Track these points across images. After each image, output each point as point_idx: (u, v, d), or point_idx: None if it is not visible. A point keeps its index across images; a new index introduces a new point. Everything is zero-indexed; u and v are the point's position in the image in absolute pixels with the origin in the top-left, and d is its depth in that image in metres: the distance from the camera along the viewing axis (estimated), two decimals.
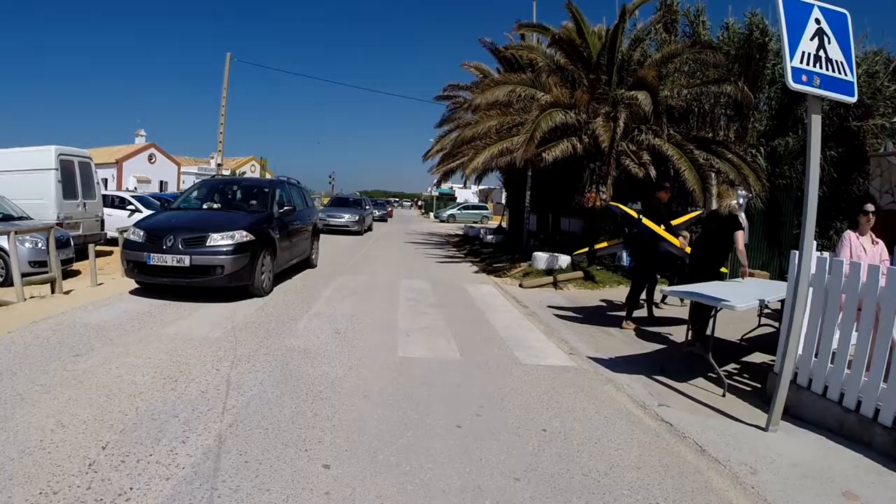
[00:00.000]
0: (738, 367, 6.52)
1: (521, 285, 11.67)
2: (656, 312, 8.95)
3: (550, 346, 6.82)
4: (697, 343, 6.74)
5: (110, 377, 4.71)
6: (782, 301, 6.08)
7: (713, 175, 12.36)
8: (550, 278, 11.84)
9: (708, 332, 6.55)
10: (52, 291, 8.30)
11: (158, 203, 17.01)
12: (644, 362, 6.34)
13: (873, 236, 5.82)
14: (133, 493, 2.97)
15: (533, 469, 3.54)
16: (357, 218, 23.58)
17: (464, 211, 48.73)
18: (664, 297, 9.03)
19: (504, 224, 26.30)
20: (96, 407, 4.06)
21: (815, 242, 4.75)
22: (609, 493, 3.31)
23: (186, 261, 7.78)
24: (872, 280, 4.45)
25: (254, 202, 10.03)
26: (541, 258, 12.96)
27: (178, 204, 10.40)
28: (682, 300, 9.08)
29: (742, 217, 7.09)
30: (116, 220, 14.40)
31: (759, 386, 5.73)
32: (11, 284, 7.81)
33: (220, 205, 10.20)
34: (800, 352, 5.01)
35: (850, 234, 6.04)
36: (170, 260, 7.79)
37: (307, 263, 12.00)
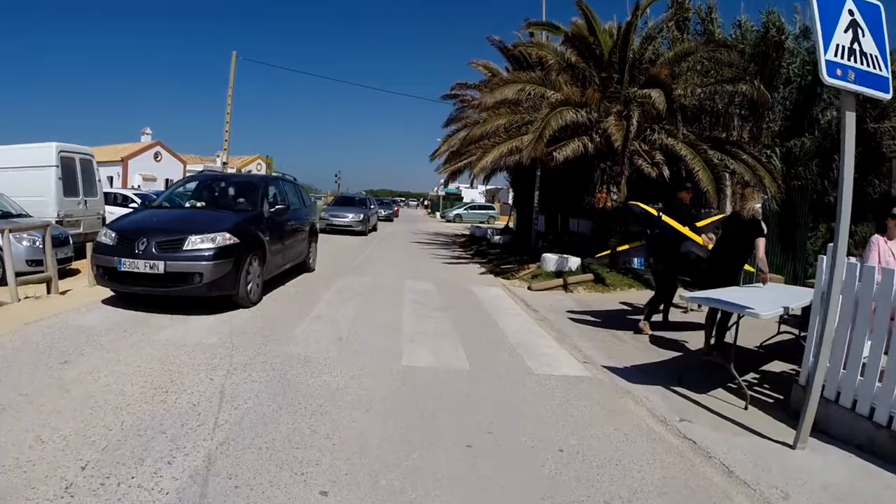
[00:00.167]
0: (757, 376, 6.22)
1: (529, 288, 11.38)
2: (670, 317, 8.61)
3: (563, 354, 6.52)
4: (716, 352, 6.48)
5: (98, 386, 4.45)
6: (804, 307, 5.83)
7: (727, 176, 12.08)
8: (560, 281, 11.53)
9: (728, 339, 6.29)
10: (48, 292, 8.03)
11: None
12: (660, 372, 6.04)
13: None
14: None
15: (550, 496, 3.25)
16: (361, 217, 23.08)
17: (470, 211, 48.42)
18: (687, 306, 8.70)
19: (511, 224, 25.98)
20: (80, 420, 3.79)
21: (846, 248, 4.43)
22: None
23: (160, 267, 6.85)
24: None
25: (242, 200, 8.92)
26: (550, 260, 12.65)
27: (160, 201, 9.57)
28: (699, 305, 8.76)
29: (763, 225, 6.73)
30: None
31: (781, 397, 5.44)
32: (6, 284, 7.56)
33: (205, 203, 9.33)
34: (826, 363, 4.75)
35: (878, 239, 5.76)
36: (142, 266, 6.87)
37: (303, 267, 11.08)
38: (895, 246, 5.57)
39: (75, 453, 3.34)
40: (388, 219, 37.76)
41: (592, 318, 8.72)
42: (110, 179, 42.78)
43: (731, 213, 7.64)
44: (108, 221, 13.44)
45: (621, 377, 5.72)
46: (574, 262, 12.47)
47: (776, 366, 6.64)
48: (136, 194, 17.41)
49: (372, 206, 28.11)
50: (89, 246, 8.81)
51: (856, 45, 4.18)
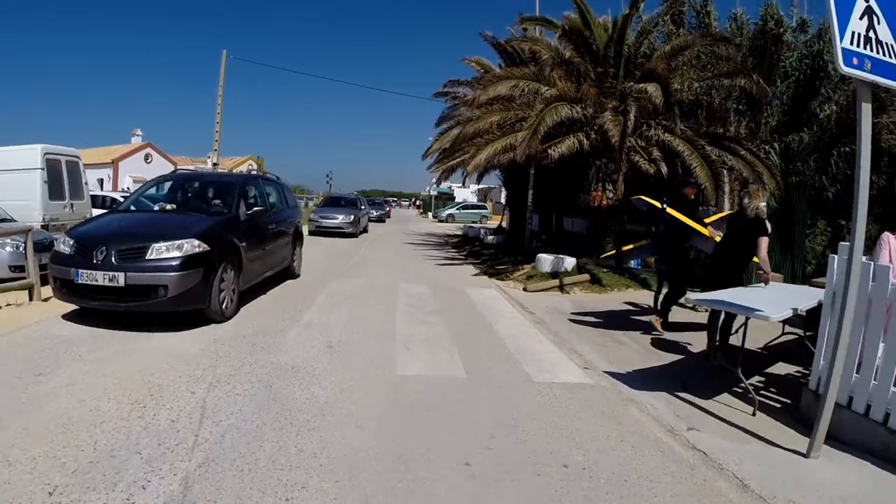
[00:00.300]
0: (762, 379, 6.02)
1: (525, 289, 11.14)
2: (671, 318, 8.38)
3: (562, 359, 6.28)
4: (720, 354, 6.27)
5: (72, 402, 4.17)
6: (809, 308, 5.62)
7: (725, 172, 11.88)
8: (556, 281, 11.31)
9: (733, 340, 6.09)
10: (31, 299, 7.72)
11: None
12: (663, 376, 5.83)
13: None
14: None
15: None
16: (352, 219, 22.20)
17: (463, 210, 48.19)
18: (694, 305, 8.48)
19: (504, 224, 25.78)
20: (51, 440, 3.52)
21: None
22: None
23: (120, 279, 6.08)
24: None
25: (218, 202, 8.16)
26: (545, 260, 12.42)
27: (127, 205, 8.79)
28: (696, 307, 8.56)
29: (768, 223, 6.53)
30: None
31: (788, 401, 5.26)
32: None
33: (175, 206, 8.61)
34: (841, 369, 4.54)
35: (888, 237, 5.60)
36: (101, 278, 6.12)
37: (287, 273, 10.31)
38: None
39: (44, 477, 3.09)
40: (380, 219, 37.24)
41: (590, 321, 8.50)
42: (101, 182, 42.39)
43: (736, 210, 7.43)
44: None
45: (624, 383, 5.50)
46: (570, 262, 12.25)
47: (781, 367, 6.46)
48: (124, 197, 17.03)
49: (362, 207, 27.18)
50: None
51: (871, 33, 3.99)
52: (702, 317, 8.27)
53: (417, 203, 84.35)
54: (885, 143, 12.61)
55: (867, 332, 4.38)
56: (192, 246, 6.45)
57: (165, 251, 6.31)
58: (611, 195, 13.76)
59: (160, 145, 50.97)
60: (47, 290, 8.10)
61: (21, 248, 8.61)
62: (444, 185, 58.24)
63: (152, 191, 10.43)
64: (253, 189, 9.08)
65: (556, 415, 4.54)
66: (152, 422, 3.90)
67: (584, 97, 12.33)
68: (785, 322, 6.79)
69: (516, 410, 4.58)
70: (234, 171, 59.46)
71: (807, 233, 12.64)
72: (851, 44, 3.87)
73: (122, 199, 16.51)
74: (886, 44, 4.07)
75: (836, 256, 4.78)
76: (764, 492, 3.46)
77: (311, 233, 20.79)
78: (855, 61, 3.87)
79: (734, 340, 6.08)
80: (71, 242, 6.65)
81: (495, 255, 16.64)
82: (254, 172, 11.13)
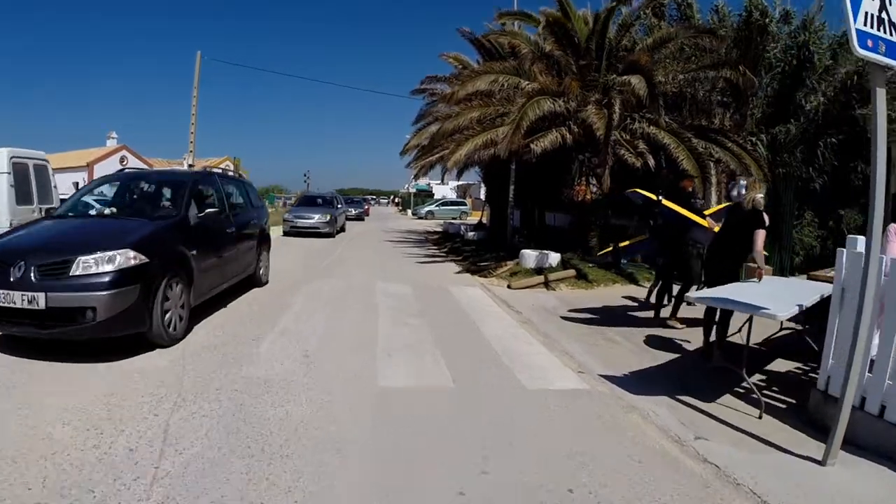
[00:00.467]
0: (763, 377, 5.75)
1: (509, 286, 10.81)
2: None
3: (555, 363, 5.93)
4: (717, 352, 6.00)
5: (24, 428, 3.72)
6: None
7: (712, 165, 11.66)
8: (541, 278, 10.99)
9: (733, 339, 5.81)
10: None
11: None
12: (661, 378, 5.53)
13: None
14: None
15: None
16: (328, 218, 21.31)
17: (442, 207, 47.78)
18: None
19: (485, 220, 25.51)
20: None
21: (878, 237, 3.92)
22: None
23: (40, 300, 4.97)
24: None
25: (167, 203, 7.27)
26: (529, 256, 12.09)
27: (63, 210, 7.43)
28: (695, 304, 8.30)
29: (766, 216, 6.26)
30: None
31: (793, 401, 5.01)
32: None
33: (116, 209, 7.42)
34: (857, 371, 4.27)
35: (895, 228, 5.34)
36: (18, 299, 5.00)
37: (252, 281, 9.25)
38: None
39: None
40: (359, 218, 36.53)
41: (579, 318, 8.19)
42: (76, 185, 41.29)
43: (734, 202, 7.19)
44: None
45: (622, 388, 5.17)
46: (554, 257, 11.94)
47: (780, 364, 6.21)
48: (96, 200, 16.37)
49: (339, 206, 26.24)
50: None
51: (884, 14, 3.70)
52: (697, 311, 8.01)
53: (396, 200, 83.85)
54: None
55: (881, 330, 4.13)
56: (127, 258, 5.34)
57: (94, 265, 5.21)
58: (595, 189, 13.47)
59: (136, 148, 49.91)
60: None
61: None
62: (423, 182, 57.82)
63: (99, 194, 9.53)
64: (209, 188, 7.91)
65: (554, 428, 4.18)
66: (109, 451, 3.46)
67: (566, 91, 12.03)
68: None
69: (511, 425, 4.19)
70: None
71: (794, 224, 12.50)
72: (865, 25, 3.58)
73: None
74: None
75: (844, 250, 4.49)
76: None
77: (285, 233, 20.23)
78: (869, 43, 3.60)
79: (734, 338, 5.83)
80: None
81: (477, 251, 16.29)
82: (214, 170, 9.89)
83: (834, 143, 12.63)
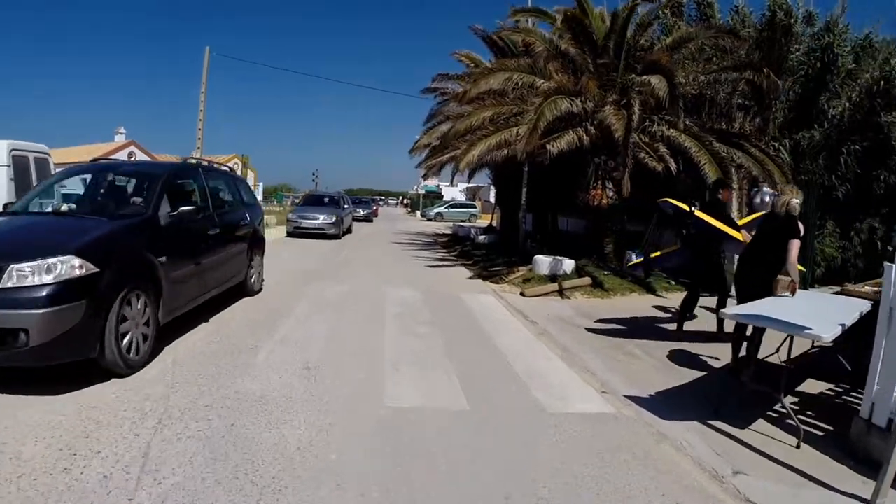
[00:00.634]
0: (795, 400, 5.31)
1: (522, 294, 10.39)
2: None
3: (576, 381, 5.49)
4: (746, 370, 5.55)
5: None
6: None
7: (733, 170, 11.22)
8: (555, 286, 10.56)
9: (766, 356, 5.38)
10: None
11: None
12: (689, 399, 5.11)
13: None
14: None
15: None
16: (334, 219, 20.45)
17: (451, 209, 47.49)
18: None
19: (495, 223, 25.09)
20: None
21: None
22: None
23: None
24: None
25: (139, 200, 6.01)
26: (543, 262, 11.67)
27: (19, 205, 6.36)
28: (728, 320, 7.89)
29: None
30: None
31: (830, 428, 4.61)
32: None
33: (79, 205, 6.53)
34: (876, 386, 3.99)
35: None
36: None
37: (242, 290, 8.19)
38: None
39: None
40: (368, 219, 35.96)
41: (597, 330, 7.76)
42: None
43: (769, 210, 6.77)
44: None
45: (649, 411, 4.72)
46: (569, 264, 11.52)
47: (811, 385, 5.76)
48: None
49: (346, 206, 25.35)
50: None
51: None
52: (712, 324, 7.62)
53: (405, 202, 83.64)
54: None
55: None
56: (70, 267, 4.28)
57: (29, 276, 4.18)
58: (611, 194, 13.03)
59: (144, 143, 49.75)
60: None
61: None
62: (432, 184, 57.61)
63: (69, 187, 8.55)
64: (188, 182, 6.84)
65: (579, 461, 3.73)
66: (80, 477, 3.07)
67: (583, 90, 11.60)
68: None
69: (532, 457, 3.75)
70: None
71: (816, 234, 12.04)
72: None
73: None
74: None
75: (892, 265, 4.05)
76: None
77: (289, 234, 19.74)
78: None
79: (765, 356, 5.41)
80: None
81: (488, 255, 15.91)
82: (198, 161, 8.21)
83: (857, 150, 12.19)
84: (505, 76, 12.40)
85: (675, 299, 10.43)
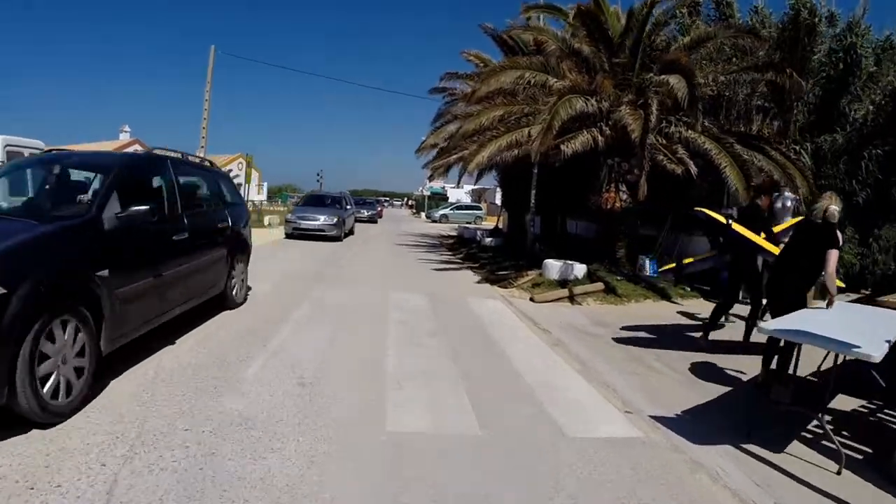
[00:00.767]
0: (828, 419, 4.85)
1: (532, 299, 9.95)
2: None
3: (596, 399, 5.03)
4: (778, 388, 5.17)
5: None
6: None
7: (754, 174, 10.79)
8: (565, 291, 10.12)
9: (793, 371, 4.96)
10: None
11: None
12: (718, 419, 4.72)
13: None
14: None
15: None
16: (335, 220, 19.40)
17: (457, 211, 47.03)
18: None
19: (501, 226, 24.68)
20: None
21: None
22: None
23: None
24: None
25: (85, 197, 4.84)
26: (553, 267, 11.22)
27: None
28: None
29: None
30: None
31: (868, 450, 4.28)
32: None
33: (7, 203, 5.42)
34: None
35: None
36: None
37: (222, 302, 7.18)
38: None
39: None
40: (372, 220, 35.31)
41: (613, 339, 7.36)
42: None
43: (804, 217, 6.40)
44: None
45: (678, 434, 4.29)
46: (580, 269, 11.08)
47: (843, 401, 5.34)
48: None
49: (348, 207, 24.22)
50: None
51: None
52: (729, 333, 7.22)
53: (410, 203, 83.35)
54: None
55: None
56: None
57: None
58: (625, 197, 12.59)
59: (149, 142, 49.65)
60: None
61: None
62: (438, 186, 57.22)
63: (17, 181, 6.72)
64: (151, 178, 5.65)
65: (608, 497, 3.27)
66: None
67: (598, 90, 11.18)
68: None
69: (554, 492, 3.28)
70: (225, 169, 57.58)
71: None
72: None
73: None
74: None
75: None
76: None
77: (288, 235, 19.00)
78: None
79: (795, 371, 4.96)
80: None
81: (494, 258, 15.45)
82: (164, 153, 6.12)
83: (879, 154, 11.73)
84: (516, 74, 11.96)
85: (690, 305, 10.11)
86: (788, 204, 10.42)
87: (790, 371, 5.07)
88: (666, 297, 10.53)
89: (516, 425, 4.26)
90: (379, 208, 43.28)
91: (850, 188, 11.96)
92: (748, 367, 6.24)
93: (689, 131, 10.88)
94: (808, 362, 5.25)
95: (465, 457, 3.67)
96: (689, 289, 11.19)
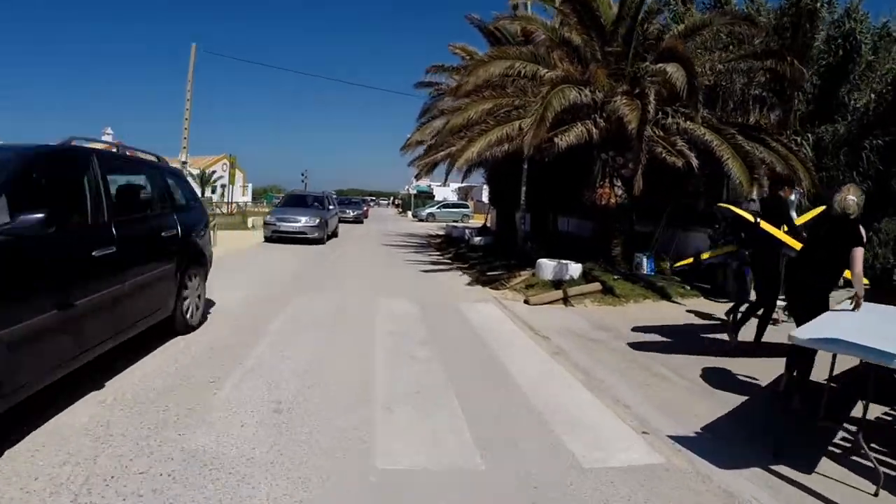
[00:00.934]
0: (851, 429, 4.42)
1: (526, 301, 9.49)
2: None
3: (607, 417, 4.54)
4: (798, 396, 4.87)
5: None
6: None
7: (758, 165, 10.41)
8: (561, 292, 9.65)
9: (826, 379, 4.53)
10: None
11: None
12: (741, 434, 4.32)
13: None
14: None
15: None
16: (317, 222, 18.38)
17: (444, 209, 46.64)
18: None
19: (489, 224, 24.23)
20: None
21: None
22: None
23: None
24: None
25: None
26: (547, 267, 10.75)
27: None
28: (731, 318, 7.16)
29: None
30: None
31: None
32: None
33: None
34: None
35: None
36: None
37: (171, 326, 5.94)
38: None
39: None
40: (358, 220, 34.72)
41: (616, 345, 6.93)
42: None
43: (824, 209, 6.03)
44: None
45: (702, 457, 3.83)
46: (575, 269, 10.62)
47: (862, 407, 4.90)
48: None
49: (331, 207, 22.89)
50: None
51: None
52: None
53: (396, 202, 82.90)
54: None
55: None
56: None
57: None
58: (620, 192, 12.15)
59: (133, 144, 48.64)
60: None
61: None
62: (424, 184, 56.70)
63: None
64: (69, 176, 4.45)
65: None
66: None
67: (591, 80, 10.74)
68: None
69: None
70: (207, 170, 56.63)
71: None
72: None
73: None
74: None
75: None
76: None
77: (267, 239, 18.02)
78: None
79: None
80: None
81: (484, 258, 14.98)
82: (90, 145, 5.09)
83: (880, 144, 11.38)
84: (506, 64, 11.48)
85: (691, 304, 9.76)
86: (792, 197, 10.07)
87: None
88: (666, 296, 10.11)
89: (523, 455, 3.74)
90: (365, 208, 42.64)
91: (851, 180, 11.62)
92: (761, 371, 5.86)
93: (689, 122, 10.47)
94: (819, 366, 4.81)
95: (468, 498, 3.16)
96: (688, 287, 10.77)
